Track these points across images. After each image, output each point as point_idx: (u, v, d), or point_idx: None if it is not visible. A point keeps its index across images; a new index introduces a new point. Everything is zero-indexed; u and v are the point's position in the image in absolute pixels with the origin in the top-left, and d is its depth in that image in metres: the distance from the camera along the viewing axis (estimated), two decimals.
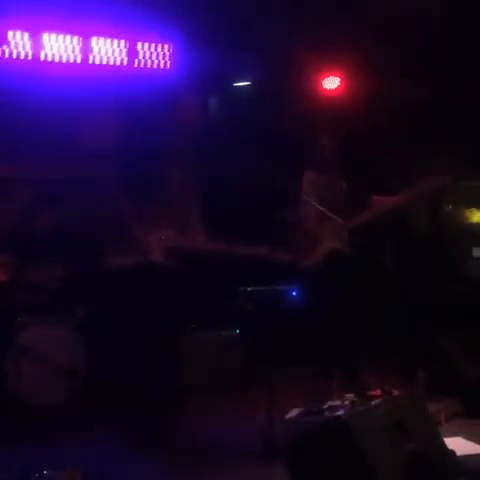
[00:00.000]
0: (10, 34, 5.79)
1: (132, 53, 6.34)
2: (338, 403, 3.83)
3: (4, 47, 5.79)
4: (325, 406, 3.81)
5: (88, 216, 6.25)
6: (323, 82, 6.92)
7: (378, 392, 4.04)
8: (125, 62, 6.31)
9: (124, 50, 6.30)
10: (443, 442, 4.03)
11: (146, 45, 6.39)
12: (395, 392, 4.07)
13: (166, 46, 6.47)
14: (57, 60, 6.02)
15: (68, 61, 6.07)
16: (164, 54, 6.48)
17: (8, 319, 5.33)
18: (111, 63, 6.26)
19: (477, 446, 4.51)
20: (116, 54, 6.27)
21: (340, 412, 3.70)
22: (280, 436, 4.05)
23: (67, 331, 5.43)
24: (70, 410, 5.15)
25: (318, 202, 5.17)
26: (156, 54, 6.45)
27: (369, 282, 5.49)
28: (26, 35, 5.85)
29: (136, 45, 6.35)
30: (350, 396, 3.94)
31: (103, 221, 6.23)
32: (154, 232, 6.37)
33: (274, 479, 3.80)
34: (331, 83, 6.93)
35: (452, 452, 4.04)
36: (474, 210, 6.22)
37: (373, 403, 3.85)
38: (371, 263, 6.03)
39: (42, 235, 5.77)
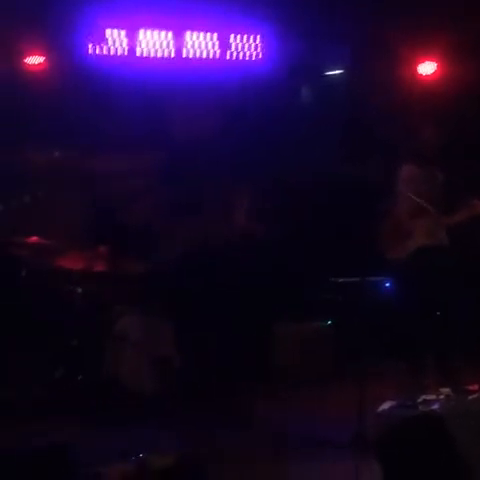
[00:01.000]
0: (108, 32, 6.02)
1: (224, 45, 6.41)
2: (433, 397, 3.76)
3: (102, 44, 6.02)
4: (419, 400, 3.74)
5: (177, 207, 6.37)
6: (419, 68, 6.72)
7: (475, 387, 3.93)
8: (218, 55, 6.40)
9: (216, 43, 6.39)
10: None
11: (238, 37, 6.44)
12: None
13: (258, 37, 6.50)
14: (152, 55, 6.19)
15: (163, 56, 6.23)
16: (256, 45, 6.51)
17: (107, 307, 5.53)
18: (204, 56, 6.36)
19: None
20: (209, 47, 6.37)
21: (435, 406, 3.63)
22: (372, 429, 4.02)
23: (161, 319, 5.59)
24: (165, 396, 5.30)
25: (416, 195, 5.06)
26: (248, 45, 6.49)
27: (465, 276, 5.34)
28: (123, 32, 6.07)
29: (228, 37, 6.42)
30: (446, 390, 3.85)
31: (192, 212, 6.33)
32: (246, 223, 6.43)
33: (366, 472, 3.77)
34: (427, 68, 6.72)
35: None
36: None
37: (470, 398, 3.77)
38: (468, 257, 5.85)
39: (137, 226, 5.95)
